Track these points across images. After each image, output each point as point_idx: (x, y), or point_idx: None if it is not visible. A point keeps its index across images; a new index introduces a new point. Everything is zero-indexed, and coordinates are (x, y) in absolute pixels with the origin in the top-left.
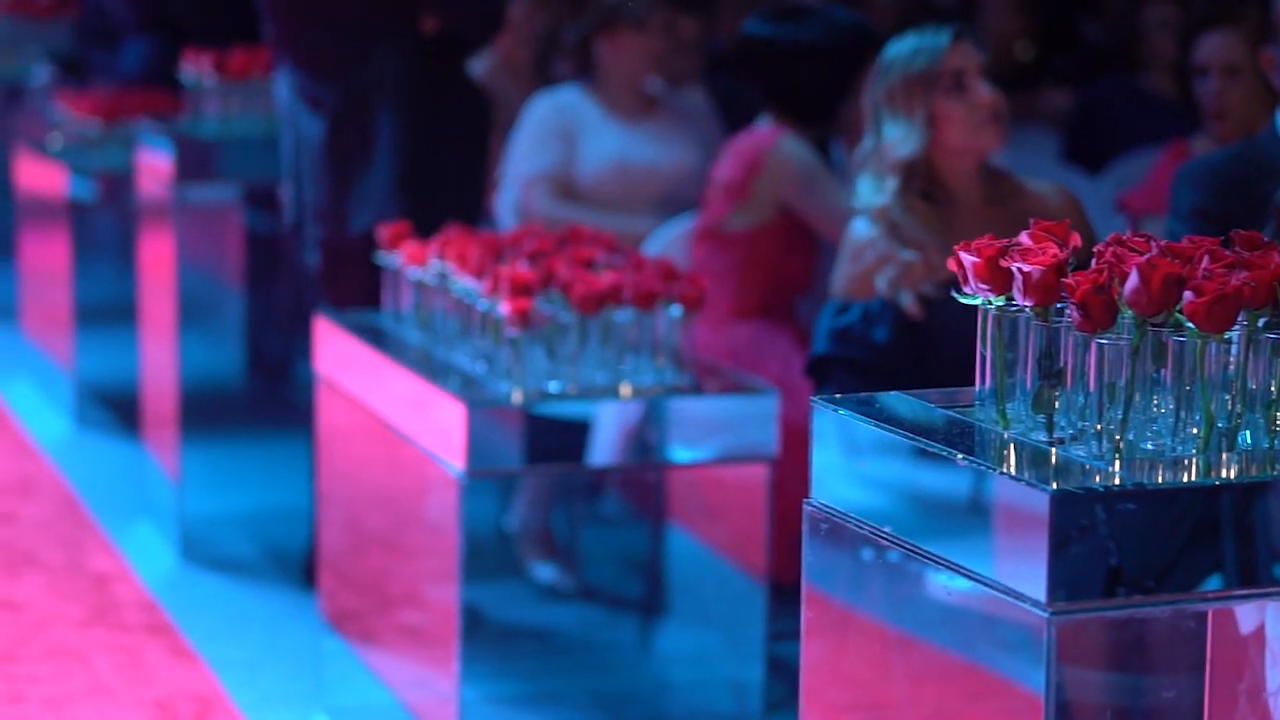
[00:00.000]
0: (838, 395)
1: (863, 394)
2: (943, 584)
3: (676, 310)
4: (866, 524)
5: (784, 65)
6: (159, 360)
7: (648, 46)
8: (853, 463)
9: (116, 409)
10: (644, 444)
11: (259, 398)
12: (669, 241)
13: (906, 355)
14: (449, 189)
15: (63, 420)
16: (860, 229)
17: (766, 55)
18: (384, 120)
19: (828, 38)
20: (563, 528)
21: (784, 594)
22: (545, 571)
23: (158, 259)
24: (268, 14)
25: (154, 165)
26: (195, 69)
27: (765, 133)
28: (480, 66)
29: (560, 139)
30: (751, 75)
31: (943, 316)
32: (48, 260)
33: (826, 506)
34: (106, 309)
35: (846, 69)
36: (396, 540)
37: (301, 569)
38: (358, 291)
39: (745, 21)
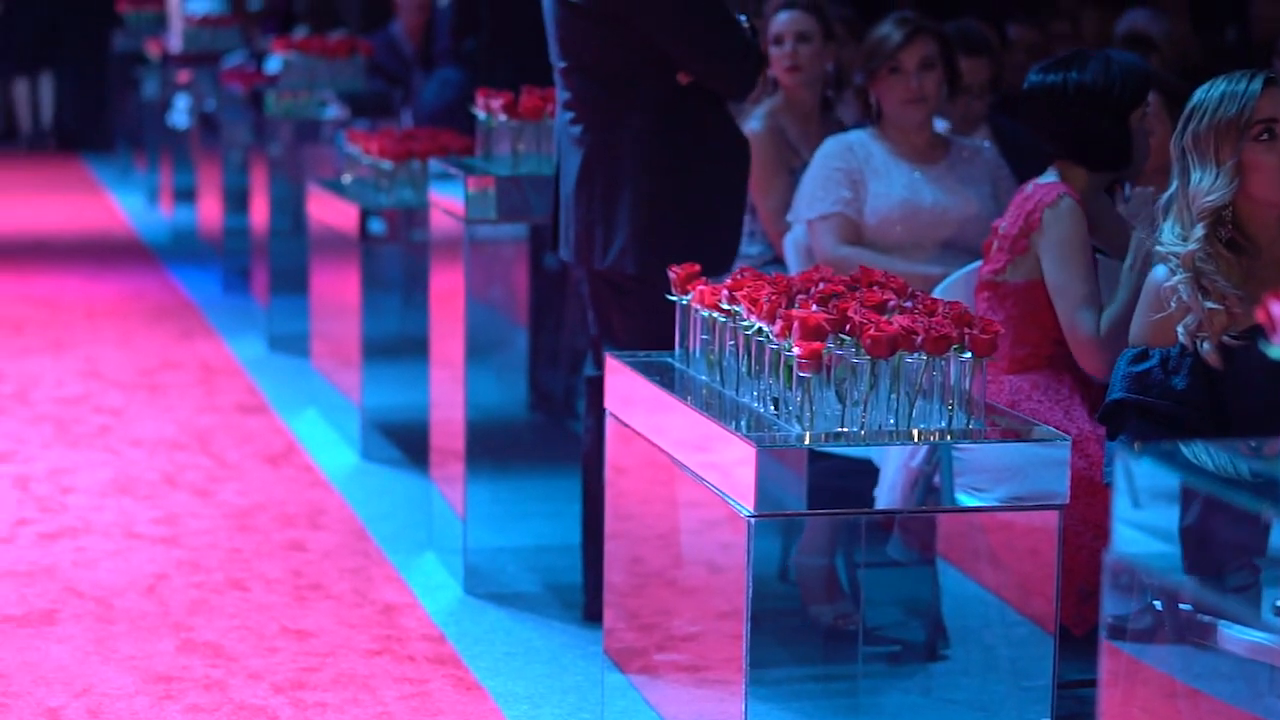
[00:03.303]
0: (1135, 443)
1: (1166, 443)
2: (1240, 638)
3: (968, 356)
4: (1167, 576)
5: (1067, 111)
6: (447, 394)
7: (909, 88)
8: (1155, 513)
9: (401, 442)
10: (931, 488)
11: (543, 433)
12: (947, 286)
13: (1205, 404)
14: (697, 237)
15: (350, 452)
16: (1162, 275)
17: (1049, 103)
18: (631, 168)
19: (1106, 80)
20: (845, 570)
21: (1068, 642)
22: (827, 613)
23: (448, 294)
24: (551, 51)
25: (445, 202)
26: (486, 108)
27: (1049, 187)
28: (765, 107)
29: (848, 181)
30: (1037, 125)
31: (1243, 366)
32: (337, 294)
33: (1127, 557)
34: (393, 343)
35: (1127, 111)
36: (680, 578)
37: (582, 604)
38: (624, 328)
39: (1029, 72)
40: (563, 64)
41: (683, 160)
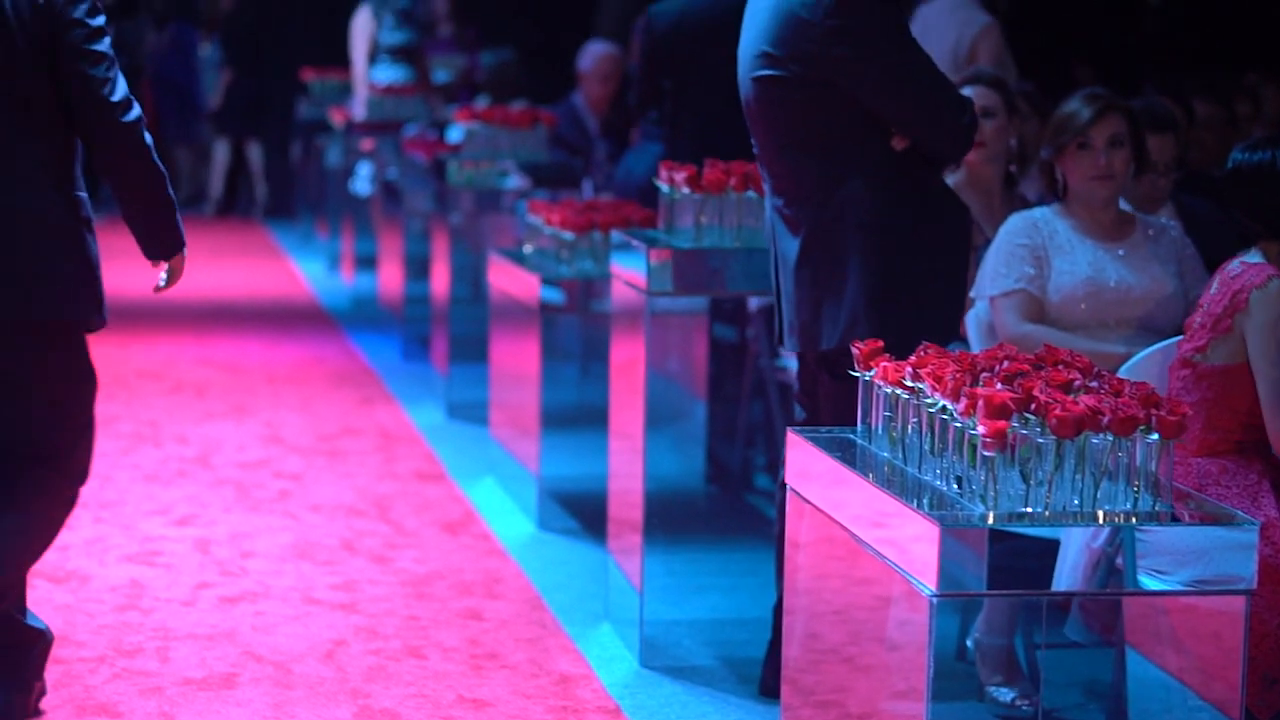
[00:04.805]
0: None
1: None
2: None
3: (1155, 437)
4: None
5: (1274, 190)
6: (626, 465)
7: (1097, 165)
8: None
9: (577, 512)
10: (1113, 570)
11: (719, 506)
12: (1132, 366)
13: None
14: (926, 302)
15: (527, 522)
16: None
17: (1255, 181)
18: (854, 240)
19: None
20: (1024, 650)
21: None
22: (1006, 694)
23: (628, 365)
24: (754, 135)
25: (627, 274)
26: (670, 180)
27: (1258, 268)
28: (948, 182)
29: (1032, 258)
30: (1241, 203)
31: None
32: (516, 363)
33: None
34: (571, 413)
35: None
36: (857, 656)
37: (759, 678)
38: (832, 406)
39: (1233, 150)
40: (771, 146)
41: (906, 225)
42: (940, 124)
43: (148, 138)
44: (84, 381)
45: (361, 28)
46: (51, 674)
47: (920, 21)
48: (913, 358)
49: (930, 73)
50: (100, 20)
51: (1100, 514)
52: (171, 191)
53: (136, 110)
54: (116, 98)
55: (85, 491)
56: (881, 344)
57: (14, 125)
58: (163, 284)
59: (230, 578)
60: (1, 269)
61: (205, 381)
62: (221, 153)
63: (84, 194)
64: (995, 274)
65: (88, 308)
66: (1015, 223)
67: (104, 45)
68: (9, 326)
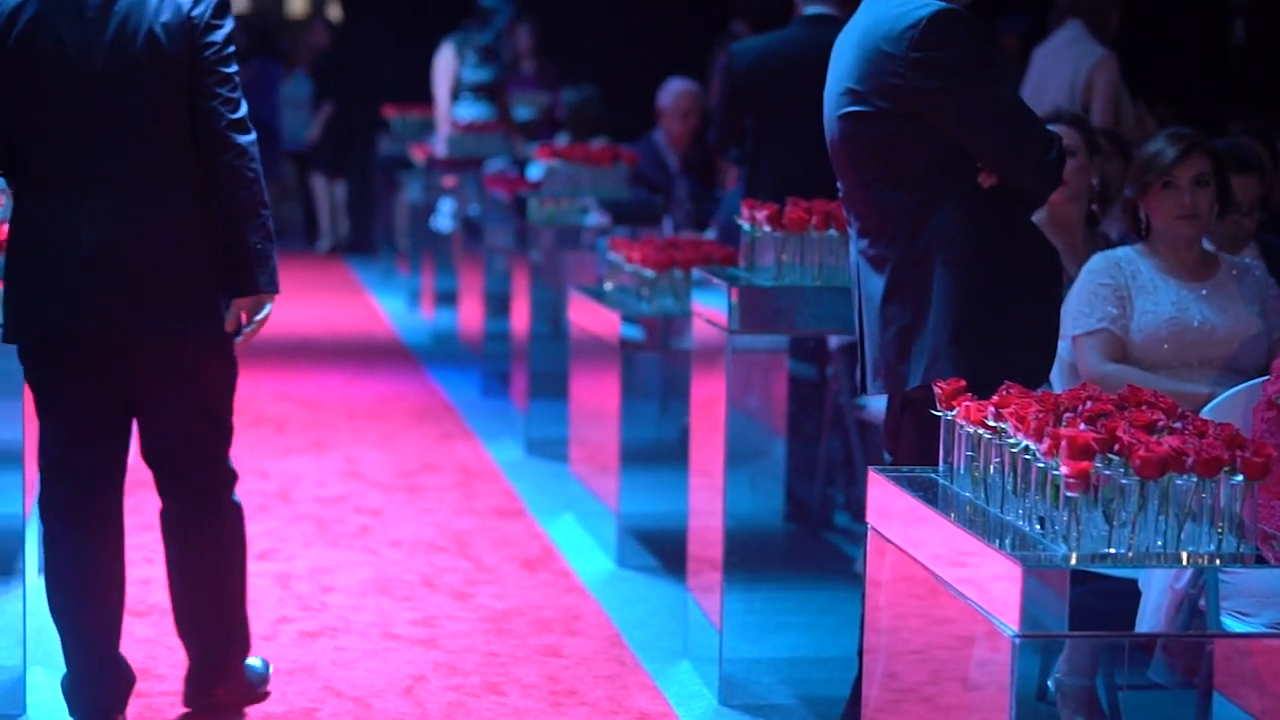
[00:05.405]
0: None
1: None
2: None
3: (1239, 479)
4: None
5: None
6: (705, 503)
7: (1181, 204)
8: None
9: (656, 549)
10: (1196, 612)
11: (798, 544)
12: (1216, 406)
13: None
14: (1012, 342)
15: (606, 559)
16: None
17: None
18: (940, 276)
19: None
20: (1105, 691)
21: None
22: None
23: (709, 403)
24: (840, 176)
25: (708, 311)
26: (751, 219)
27: None
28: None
29: (1114, 297)
30: None
31: None
32: (596, 400)
33: None
34: (650, 450)
35: None
36: (938, 696)
37: (840, 718)
38: (918, 446)
39: None
40: (857, 185)
41: (992, 262)
42: (1026, 158)
43: (258, 165)
44: (230, 380)
45: (444, 65)
46: (133, 708)
47: (1037, 63)
48: (995, 397)
49: (1016, 106)
50: (233, 48)
51: (1184, 555)
52: (272, 225)
53: (253, 135)
54: (237, 116)
55: None
56: (964, 383)
57: (159, 140)
58: (248, 328)
59: (310, 613)
60: (143, 285)
61: (285, 417)
62: (322, 188)
63: None
64: (1078, 313)
65: (220, 325)
66: (1098, 262)
67: (233, 68)
68: (148, 341)
